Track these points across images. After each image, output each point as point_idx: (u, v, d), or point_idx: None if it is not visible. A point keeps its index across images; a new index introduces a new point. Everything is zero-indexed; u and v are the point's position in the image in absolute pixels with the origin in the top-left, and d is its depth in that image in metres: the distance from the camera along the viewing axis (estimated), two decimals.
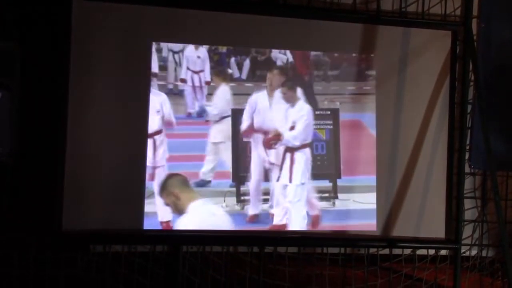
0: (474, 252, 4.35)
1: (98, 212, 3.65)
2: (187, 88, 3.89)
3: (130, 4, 3.73)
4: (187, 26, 3.84)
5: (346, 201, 4.00)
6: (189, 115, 3.86)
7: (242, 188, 3.89)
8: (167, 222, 3.75)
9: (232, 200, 3.88)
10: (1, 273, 3.57)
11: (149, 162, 3.76)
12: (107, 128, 3.69)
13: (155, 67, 3.79)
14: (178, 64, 3.87)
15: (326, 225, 3.97)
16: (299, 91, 3.97)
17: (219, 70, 3.87)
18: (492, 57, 4.23)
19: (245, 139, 3.90)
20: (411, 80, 4.14)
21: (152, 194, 3.75)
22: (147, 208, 3.73)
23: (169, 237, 3.79)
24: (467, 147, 4.24)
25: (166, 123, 3.80)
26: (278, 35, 3.96)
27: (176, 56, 3.86)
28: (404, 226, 4.10)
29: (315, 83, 4.02)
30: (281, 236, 3.96)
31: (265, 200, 3.91)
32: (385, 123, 4.09)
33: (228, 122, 3.89)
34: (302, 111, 3.93)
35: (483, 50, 4.23)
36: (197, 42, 3.88)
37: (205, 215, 3.73)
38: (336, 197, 4.01)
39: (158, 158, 3.78)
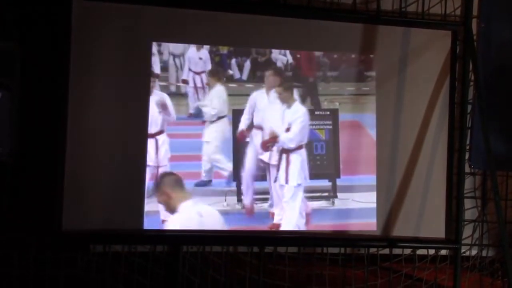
0: (474, 252, 4.35)
1: (98, 212, 3.65)
2: (189, 89, 3.89)
3: (130, 4, 3.73)
4: (187, 26, 3.85)
5: (346, 200, 4.01)
6: (191, 115, 3.87)
7: (243, 188, 3.90)
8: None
9: (233, 199, 3.89)
10: (1, 273, 3.57)
11: (151, 162, 3.77)
12: (107, 128, 3.69)
13: (157, 69, 3.79)
14: (179, 68, 3.88)
15: (326, 224, 3.98)
16: (296, 92, 3.98)
17: (214, 70, 3.88)
18: (492, 57, 4.23)
19: (242, 139, 3.91)
20: (411, 80, 4.14)
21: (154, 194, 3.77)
22: (150, 207, 3.73)
23: (169, 237, 3.78)
24: (467, 147, 4.24)
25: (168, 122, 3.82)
26: (278, 35, 3.97)
27: (177, 59, 3.87)
28: (404, 226, 4.10)
29: (306, 83, 4.03)
30: (281, 236, 3.96)
31: (265, 200, 3.91)
32: (385, 123, 4.10)
33: (223, 122, 3.90)
34: (297, 113, 3.95)
35: (483, 50, 4.23)
36: (197, 42, 3.88)
37: (193, 215, 3.73)
38: (336, 197, 4.02)
39: (160, 158, 3.79)
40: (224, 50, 3.93)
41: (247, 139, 3.93)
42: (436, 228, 4.14)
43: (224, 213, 3.84)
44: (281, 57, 3.99)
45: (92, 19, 3.68)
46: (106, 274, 3.73)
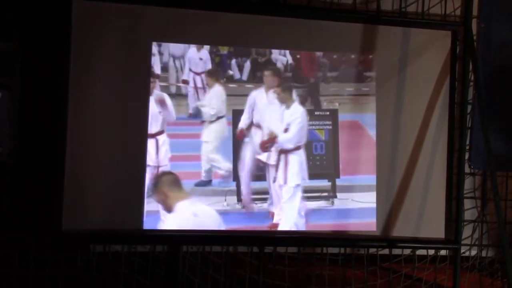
0: (473, 252, 4.35)
1: (98, 212, 3.65)
2: (189, 89, 3.89)
3: (130, 4, 3.73)
4: (187, 26, 3.85)
5: (345, 200, 4.02)
6: (191, 115, 3.87)
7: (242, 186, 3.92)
8: None
9: (233, 199, 3.89)
10: (1, 273, 3.57)
11: (152, 162, 3.78)
12: (107, 128, 3.69)
13: (157, 69, 3.80)
14: (179, 70, 3.88)
15: (325, 224, 3.98)
16: (296, 92, 3.99)
17: (212, 71, 3.88)
18: (492, 57, 4.23)
19: (242, 138, 3.92)
20: (411, 80, 4.14)
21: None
22: (150, 207, 3.74)
23: (169, 237, 3.78)
24: (467, 147, 4.24)
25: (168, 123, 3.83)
26: (278, 35, 3.97)
27: (177, 61, 3.87)
28: (404, 226, 4.10)
29: (307, 84, 4.04)
30: (281, 236, 3.96)
31: (265, 199, 3.91)
32: (385, 123, 4.10)
33: (222, 122, 3.91)
34: (295, 113, 3.96)
35: (483, 50, 4.24)
36: (197, 42, 3.89)
37: (189, 215, 3.73)
38: (335, 196, 4.02)
39: (161, 158, 3.80)
40: (224, 50, 3.94)
41: (247, 139, 3.93)
42: (435, 228, 4.14)
43: (224, 213, 3.84)
44: (281, 57, 3.99)
45: (92, 19, 3.68)
46: (106, 274, 3.73)
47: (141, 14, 3.76)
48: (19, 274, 3.60)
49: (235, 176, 3.92)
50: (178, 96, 3.87)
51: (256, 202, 3.92)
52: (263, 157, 3.93)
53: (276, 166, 3.94)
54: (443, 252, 4.25)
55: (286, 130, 3.94)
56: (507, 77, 4.23)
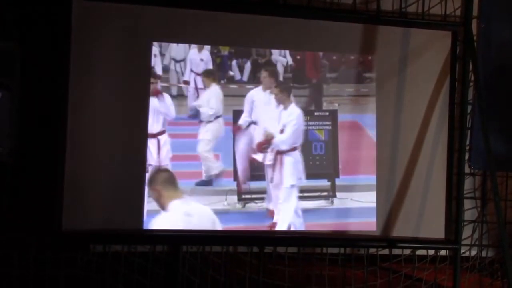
0: (473, 252, 4.35)
1: (98, 212, 3.65)
2: (189, 90, 3.90)
3: (130, 4, 3.73)
4: (187, 26, 3.85)
5: (345, 200, 4.02)
6: (190, 116, 3.88)
7: (244, 186, 3.93)
8: None
9: (233, 198, 3.90)
10: (1, 273, 3.57)
11: (153, 161, 3.79)
12: (107, 128, 3.69)
13: (159, 70, 3.81)
14: (180, 69, 3.88)
15: (325, 223, 3.99)
16: (296, 93, 3.99)
17: (208, 71, 3.89)
18: (492, 57, 4.23)
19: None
20: (411, 81, 4.14)
21: None
22: (150, 207, 3.74)
23: (169, 237, 3.79)
24: (467, 147, 4.24)
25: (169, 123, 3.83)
26: (278, 35, 3.97)
27: (178, 65, 3.87)
28: (404, 226, 4.10)
29: (310, 85, 4.04)
30: (281, 236, 3.96)
31: (262, 199, 3.93)
32: (385, 123, 4.10)
33: (218, 121, 3.92)
34: (292, 115, 3.97)
35: (483, 51, 4.23)
36: (197, 42, 3.89)
37: (181, 214, 3.72)
38: (335, 196, 4.02)
39: (162, 157, 3.81)
40: (225, 51, 3.94)
41: (245, 137, 3.94)
42: (435, 228, 4.14)
43: (223, 213, 3.85)
44: (281, 58, 4.00)
45: (92, 19, 3.68)
46: (106, 274, 3.73)
47: (141, 14, 3.76)
48: (19, 274, 3.60)
49: (236, 176, 3.91)
50: (180, 96, 3.88)
51: (255, 201, 3.92)
52: (259, 157, 3.93)
53: (273, 166, 3.95)
54: (443, 252, 4.25)
55: (282, 131, 3.95)
56: (507, 77, 4.23)
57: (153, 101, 3.78)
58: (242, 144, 3.94)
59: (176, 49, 3.87)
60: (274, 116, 3.97)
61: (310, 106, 4.05)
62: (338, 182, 4.03)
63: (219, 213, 3.83)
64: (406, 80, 4.13)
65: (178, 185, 3.77)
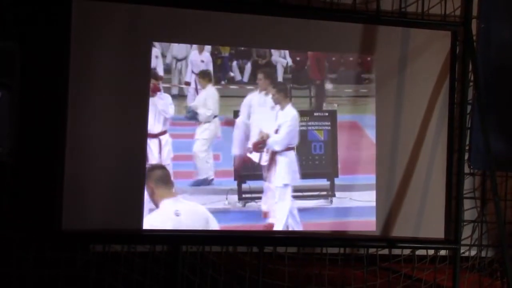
0: (473, 252, 4.35)
1: (98, 212, 3.66)
2: (190, 90, 3.90)
3: (130, 4, 3.73)
4: (187, 26, 3.85)
5: (344, 199, 4.03)
6: (187, 117, 3.90)
7: (244, 186, 3.93)
8: None
9: (234, 198, 3.91)
10: (1, 273, 3.57)
11: (155, 161, 3.80)
12: (107, 128, 3.70)
13: (160, 71, 3.81)
14: (181, 73, 3.89)
15: (324, 222, 4.00)
16: (295, 93, 4.00)
17: (204, 72, 3.89)
18: (491, 57, 4.23)
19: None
20: (411, 80, 4.15)
21: None
22: (151, 206, 3.75)
23: (168, 237, 3.79)
24: (467, 147, 4.24)
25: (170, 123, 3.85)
26: (278, 35, 3.97)
27: (179, 63, 3.88)
28: (403, 226, 4.11)
29: (313, 86, 4.05)
30: (281, 236, 3.96)
31: (259, 198, 3.94)
32: (385, 123, 4.10)
33: (215, 121, 3.93)
34: (287, 116, 3.98)
35: (482, 51, 4.23)
36: (197, 42, 3.89)
37: (170, 213, 3.74)
38: (334, 195, 4.03)
39: (164, 157, 3.81)
40: (225, 52, 3.95)
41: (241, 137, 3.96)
42: (435, 228, 4.14)
43: (224, 212, 3.87)
44: (281, 59, 4.01)
45: (92, 19, 3.68)
46: (105, 274, 3.73)
47: (141, 14, 3.76)
48: (19, 274, 3.60)
49: (236, 175, 3.93)
50: (180, 97, 3.88)
51: (256, 201, 3.93)
52: (255, 157, 3.94)
53: (268, 166, 3.95)
54: (442, 252, 4.25)
55: (277, 131, 3.96)
56: (507, 77, 4.23)
57: (154, 101, 3.79)
58: (238, 142, 3.95)
59: (177, 48, 3.88)
60: (270, 117, 3.98)
61: (312, 106, 4.05)
62: (337, 181, 4.04)
63: (219, 212, 3.85)
64: (405, 79, 4.13)
65: (171, 184, 3.79)
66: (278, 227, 3.94)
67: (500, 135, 4.17)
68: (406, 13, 4.22)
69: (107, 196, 3.68)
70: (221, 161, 3.92)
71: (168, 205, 3.74)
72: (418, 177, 4.13)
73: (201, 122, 3.90)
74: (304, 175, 4.00)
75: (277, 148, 3.96)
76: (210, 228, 3.83)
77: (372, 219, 4.06)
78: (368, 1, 4.19)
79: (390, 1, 4.22)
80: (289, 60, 4.02)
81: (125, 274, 3.76)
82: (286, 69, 4.02)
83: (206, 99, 3.90)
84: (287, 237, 3.99)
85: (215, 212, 3.84)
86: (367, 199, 4.05)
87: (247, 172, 3.95)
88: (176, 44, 3.87)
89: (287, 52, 4.02)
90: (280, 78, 4.02)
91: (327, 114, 4.05)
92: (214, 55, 3.93)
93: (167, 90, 3.86)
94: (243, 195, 3.93)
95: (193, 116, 3.88)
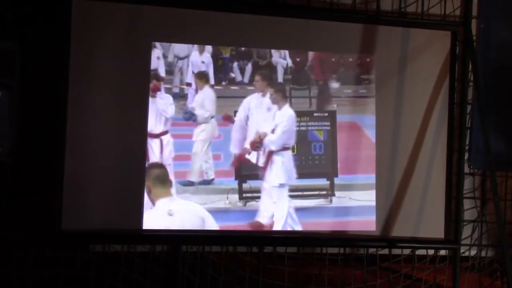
0: (473, 252, 4.35)
1: (97, 212, 3.66)
2: (190, 91, 3.91)
3: (130, 4, 3.73)
4: (187, 26, 3.85)
5: (343, 199, 4.04)
6: (185, 118, 3.91)
7: (244, 185, 3.94)
8: None
9: (235, 197, 3.92)
10: (1, 273, 3.57)
11: (156, 160, 3.81)
12: (107, 128, 3.70)
13: (162, 72, 3.82)
14: (182, 72, 3.89)
15: (324, 221, 4.00)
16: (294, 94, 4.02)
17: (201, 73, 3.90)
18: (491, 57, 4.23)
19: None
20: (411, 80, 4.15)
21: None
22: (150, 206, 3.76)
23: (168, 237, 3.79)
24: (467, 147, 4.24)
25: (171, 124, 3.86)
26: (278, 35, 3.98)
27: (180, 62, 3.88)
28: (403, 226, 4.11)
29: (313, 86, 4.06)
30: (281, 236, 3.97)
31: (257, 198, 3.95)
32: (384, 123, 4.10)
33: (212, 122, 3.93)
34: (283, 116, 3.99)
35: (482, 51, 4.24)
36: (197, 42, 3.89)
37: (163, 213, 3.76)
38: (333, 195, 4.04)
39: (165, 157, 3.82)
40: (226, 53, 3.95)
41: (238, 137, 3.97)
42: (435, 228, 4.14)
43: (225, 211, 3.88)
44: (281, 60, 4.01)
45: (92, 19, 3.68)
46: (105, 274, 3.73)
47: (141, 14, 3.76)
48: (19, 274, 3.60)
49: (237, 175, 3.93)
50: (181, 98, 3.89)
51: (256, 200, 3.93)
52: (252, 158, 3.95)
53: (264, 166, 3.96)
54: (442, 252, 4.25)
55: (273, 131, 3.97)
56: (506, 77, 4.23)
57: (155, 101, 3.79)
58: (236, 142, 3.96)
59: (179, 47, 3.88)
60: (267, 118, 3.99)
61: (311, 107, 4.06)
62: (337, 181, 4.04)
63: (220, 211, 3.86)
64: (405, 79, 4.13)
65: (168, 184, 3.80)
66: (277, 227, 3.95)
67: (500, 135, 4.17)
68: (406, 13, 4.23)
69: (107, 196, 3.68)
70: (222, 160, 3.92)
71: (163, 204, 3.76)
72: (418, 177, 4.13)
73: (199, 123, 3.90)
74: (304, 175, 4.01)
75: (273, 147, 3.97)
76: (206, 228, 3.83)
77: (372, 218, 4.06)
78: (368, 1, 4.19)
79: (390, 1, 4.22)
80: (289, 61, 4.02)
81: (125, 274, 3.76)
82: (286, 70, 4.02)
83: (203, 100, 3.91)
84: (287, 237, 3.99)
85: (216, 212, 3.85)
86: (366, 198, 4.05)
87: (248, 172, 3.96)
88: (177, 44, 3.86)
89: (287, 53, 4.02)
90: (280, 79, 4.03)
91: (326, 114, 4.06)
92: (215, 56, 3.93)
93: (169, 91, 3.86)
94: (244, 195, 3.93)
95: (190, 117, 3.88)
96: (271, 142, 3.97)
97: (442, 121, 4.18)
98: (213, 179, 3.90)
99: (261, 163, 3.97)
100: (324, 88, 4.07)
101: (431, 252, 4.23)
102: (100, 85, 3.69)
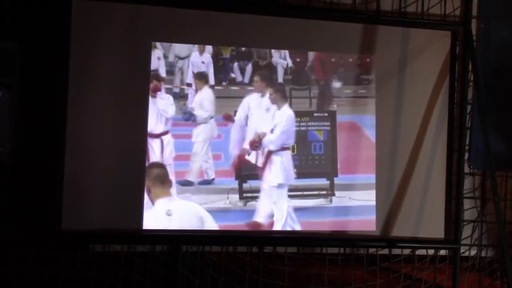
0: (473, 252, 4.35)
1: (97, 212, 3.66)
2: (190, 91, 3.91)
3: (130, 4, 3.73)
4: (187, 26, 3.85)
5: (343, 198, 4.04)
6: (183, 118, 3.91)
7: (245, 185, 3.95)
8: None
9: (235, 197, 3.93)
10: (1, 273, 3.57)
11: (156, 160, 3.81)
12: (107, 128, 3.70)
13: (162, 72, 3.82)
14: (182, 72, 3.89)
15: (323, 221, 4.01)
16: (294, 94, 4.03)
17: (200, 74, 3.90)
18: (491, 57, 4.23)
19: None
20: (411, 80, 4.15)
21: None
22: (150, 206, 3.76)
23: (168, 237, 3.79)
24: (467, 147, 4.24)
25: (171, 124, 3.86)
26: (278, 35, 3.98)
27: (181, 62, 3.88)
28: (403, 226, 4.11)
29: (313, 87, 4.06)
30: (281, 236, 3.97)
31: (255, 198, 3.96)
32: (384, 123, 4.10)
33: (211, 122, 3.94)
34: (282, 116, 4.00)
35: (482, 50, 4.24)
36: (197, 42, 3.89)
37: (161, 213, 3.76)
38: (333, 195, 4.04)
39: (166, 157, 3.83)
40: (227, 54, 3.96)
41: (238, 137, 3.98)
42: (435, 228, 4.14)
43: (226, 211, 3.88)
44: (281, 61, 4.02)
45: (92, 19, 3.68)
46: (105, 274, 3.73)
47: (141, 14, 3.76)
48: (19, 274, 3.60)
49: (237, 175, 3.94)
50: (181, 98, 3.89)
51: (257, 200, 3.94)
52: (252, 158, 3.96)
53: (263, 166, 3.96)
54: (442, 252, 4.25)
55: (272, 131, 3.98)
56: (506, 77, 4.23)
57: (156, 101, 3.79)
58: (236, 143, 3.96)
59: (179, 47, 3.88)
60: (265, 118, 3.99)
61: (314, 107, 4.06)
62: (336, 181, 4.05)
63: (220, 211, 3.86)
64: (405, 79, 4.13)
65: (168, 183, 3.80)
66: (277, 227, 3.95)
67: (500, 135, 4.17)
68: (406, 13, 4.23)
69: (107, 196, 3.68)
70: (222, 160, 3.92)
71: (162, 204, 3.76)
72: (418, 177, 4.13)
73: (198, 123, 3.90)
74: (304, 175, 4.01)
75: (271, 147, 3.97)
76: (205, 227, 3.83)
77: (371, 217, 4.06)
78: (368, 1, 4.19)
79: (390, 1, 4.22)
80: (289, 62, 4.03)
81: (125, 274, 3.76)
82: (286, 70, 4.02)
83: (202, 100, 3.92)
84: (287, 237, 3.99)
85: (216, 212, 3.86)
86: (366, 198, 4.06)
87: (248, 172, 3.96)
88: (179, 44, 3.87)
89: (287, 53, 4.03)
90: (280, 79, 4.03)
91: (326, 114, 4.06)
92: (215, 56, 3.93)
93: (169, 91, 3.86)
94: (244, 194, 3.94)
95: (190, 117, 3.88)
96: (270, 142, 3.98)
97: (442, 121, 4.18)
98: (213, 179, 3.91)
99: (260, 163, 3.97)
100: (326, 89, 4.07)
101: (431, 252, 4.23)
102: (100, 85, 3.69)
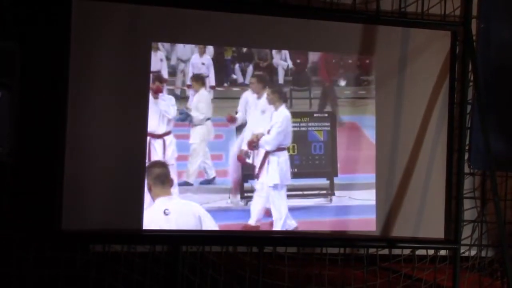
0: (473, 252, 4.35)
1: (97, 212, 3.66)
2: (191, 92, 3.91)
3: (130, 4, 3.73)
4: (187, 26, 3.85)
5: (343, 198, 4.05)
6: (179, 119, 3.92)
7: (246, 185, 3.96)
8: None
9: (236, 196, 3.94)
10: (1, 273, 3.57)
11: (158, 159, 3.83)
12: (107, 128, 3.70)
13: (165, 74, 3.84)
14: (184, 73, 3.90)
15: (323, 220, 4.01)
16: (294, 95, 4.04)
17: (197, 75, 3.91)
18: (491, 57, 4.23)
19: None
20: (411, 80, 4.15)
21: None
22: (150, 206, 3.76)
23: (168, 237, 3.79)
24: (467, 147, 4.24)
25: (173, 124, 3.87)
26: (278, 35, 3.98)
27: (182, 64, 3.89)
28: (403, 226, 4.11)
29: (313, 87, 4.06)
30: (280, 236, 3.97)
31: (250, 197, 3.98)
32: (384, 123, 4.11)
33: (207, 124, 3.94)
34: (279, 117, 4.01)
35: (482, 50, 4.24)
36: (197, 42, 3.89)
37: (159, 212, 3.76)
38: (333, 194, 4.04)
39: (168, 157, 3.83)
40: (228, 55, 3.96)
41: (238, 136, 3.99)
42: (435, 228, 4.14)
43: (226, 210, 3.90)
44: (282, 62, 4.03)
45: (92, 19, 3.68)
46: (105, 274, 3.73)
47: (141, 14, 3.76)
48: (19, 274, 3.60)
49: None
50: (183, 99, 3.89)
51: (249, 199, 3.95)
52: (250, 159, 3.97)
53: (260, 166, 3.97)
54: (442, 252, 4.25)
55: (269, 132, 3.99)
56: (506, 77, 4.23)
57: (158, 102, 3.80)
58: (234, 146, 3.97)
59: (182, 50, 3.89)
60: (263, 118, 4.00)
61: (313, 107, 4.07)
62: (336, 180, 4.05)
63: (221, 211, 3.87)
64: (405, 79, 4.13)
65: (169, 183, 3.80)
66: (277, 227, 3.95)
67: (500, 135, 4.17)
68: (406, 13, 4.23)
69: (107, 196, 3.68)
70: (223, 160, 3.93)
71: (160, 203, 3.76)
72: (418, 177, 4.13)
73: (195, 125, 3.91)
74: (304, 175, 4.02)
75: (268, 147, 3.98)
76: (204, 227, 3.83)
77: (371, 217, 4.07)
78: (368, 1, 4.19)
79: (390, 1, 4.22)
80: (290, 63, 4.03)
81: (125, 274, 3.76)
82: (287, 72, 4.03)
83: (198, 102, 3.92)
84: (287, 237, 3.99)
85: (217, 211, 3.86)
86: (366, 197, 4.06)
87: (248, 172, 3.96)
88: (181, 46, 3.88)
89: (288, 54, 4.03)
90: (281, 80, 4.04)
91: (326, 115, 4.07)
92: (216, 57, 3.93)
93: (172, 92, 3.87)
94: (245, 194, 3.94)
95: (186, 118, 3.89)
96: (266, 142, 3.98)
97: (442, 121, 4.18)
98: (214, 178, 3.91)
99: (257, 164, 3.97)
100: (329, 90, 4.07)
101: (431, 252, 4.23)
102: (100, 85, 3.69)
